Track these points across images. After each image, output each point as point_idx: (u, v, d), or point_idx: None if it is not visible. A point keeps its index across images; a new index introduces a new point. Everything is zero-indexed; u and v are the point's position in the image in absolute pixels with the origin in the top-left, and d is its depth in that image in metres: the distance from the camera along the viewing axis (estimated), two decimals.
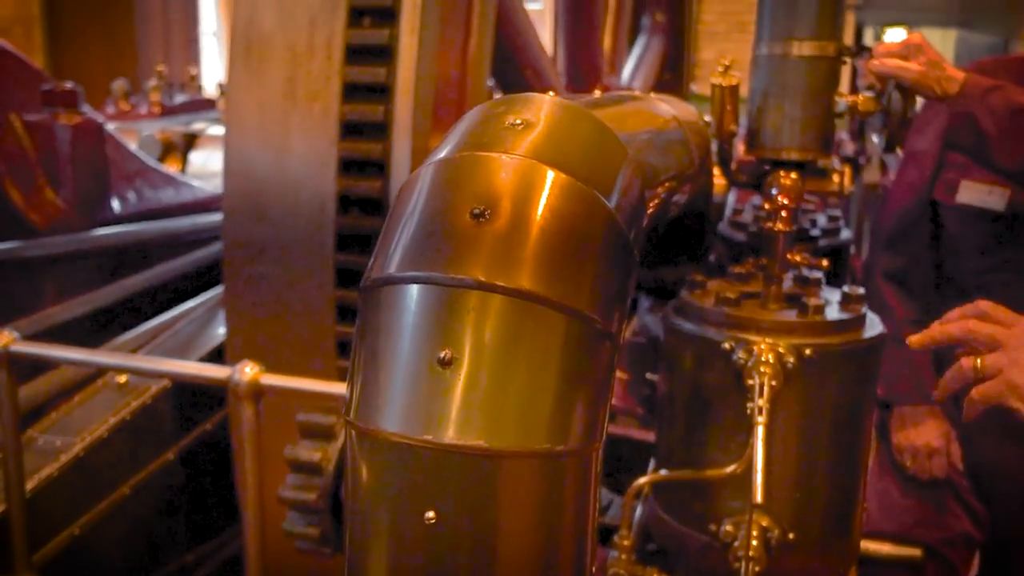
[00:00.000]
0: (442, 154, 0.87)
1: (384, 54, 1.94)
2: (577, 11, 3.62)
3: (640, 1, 4.57)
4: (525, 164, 0.82)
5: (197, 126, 5.42)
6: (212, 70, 10.83)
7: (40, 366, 2.42)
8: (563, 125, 0.89)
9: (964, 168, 2.11)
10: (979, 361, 1.23)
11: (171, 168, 5.03)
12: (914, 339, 1.32)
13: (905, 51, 1.79)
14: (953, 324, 1.30)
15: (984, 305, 1.29)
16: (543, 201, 0.80)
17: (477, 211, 0.78)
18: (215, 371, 1.86)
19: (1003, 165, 1.83)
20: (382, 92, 1.94)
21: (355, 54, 1.95)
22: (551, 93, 0.98)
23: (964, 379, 1.24)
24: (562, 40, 3.72)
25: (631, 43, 4.57)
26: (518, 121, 0.86)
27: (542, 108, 0.89)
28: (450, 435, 0.74)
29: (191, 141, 5.16)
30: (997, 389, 1.20)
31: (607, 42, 3.89)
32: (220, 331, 2.57)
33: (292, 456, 1.86)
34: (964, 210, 2.13)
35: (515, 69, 2.88)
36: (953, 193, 2.15)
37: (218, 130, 5.29)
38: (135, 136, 5.16)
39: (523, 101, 0.91)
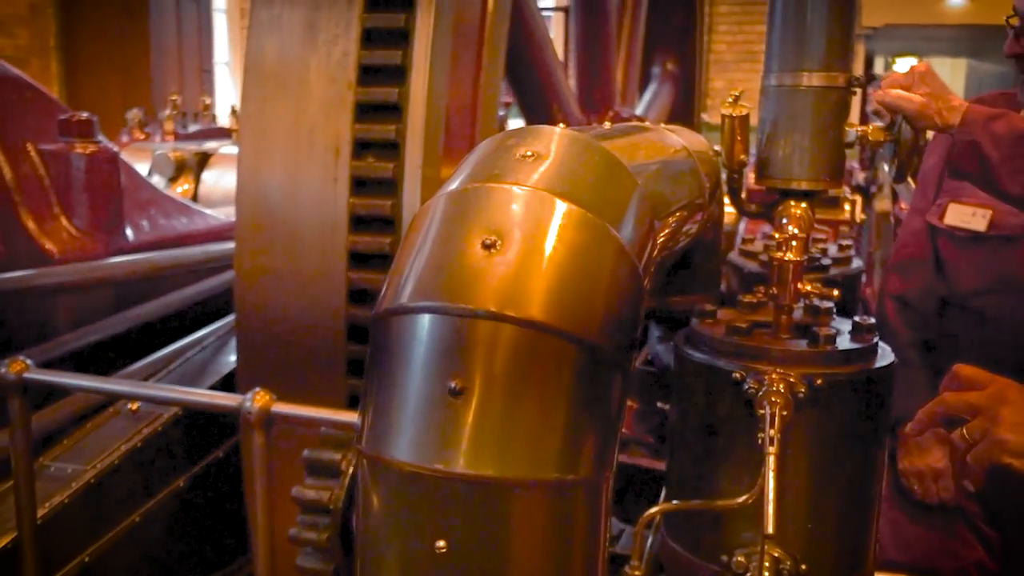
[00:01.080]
0: (454, 185, 0.88)
1: (397, 74, 1.96)
2: (591, 37, 3.66)
3: (650, 49, 4.62)
4: (536, 195, 0.82)
5: (209, 145, 5.47)
6: (225, 99, 10.95)
7: (53, 393, 2.43)
8: (573, 157, 0.90)
9: (955, 192, 2.15)
10: (964, 430, 1.29)
11: (184, 186, 5.07)
12: (908, 430, 1.40)
13: (909, 80, 1.80)
14: (934, 403, 1.37)
15: (959, 372, 1.33)
16: (554, 232, 0.81)
17: (488, 242, 0.78)
18: (226, 399, 1.86)
19: (1009, 191, 1.83)
20: (394, 111, 1.96)
21: (368, 74, 1.97)
22: (561, 125, 0.99)
23: (959, 451, 1.27)
24: (574, 65, 3.75)
25: (641, 91, 4.62)
26: (529, 153, 0.87)
27: (553, 140, 0.90)
28: (461, 464, 0.74)
29: (204, 160, 5.21)
30: (987, 450, 1.25)
31: (619, 76, 3.92)
32: (231, 359, 2.58)
33: (299, 496, 1.86)
34: (952, 232, 2.17)
35: (535, 89, 2.93)
36: (942, 216, 2.19)
37: (230, 149, 5.35)
38: (148, 155, 5.23)
39: (534, 133, 0.92)
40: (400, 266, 0.84)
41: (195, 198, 5.11)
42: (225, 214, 3.94)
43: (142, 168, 5.13)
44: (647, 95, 4.71)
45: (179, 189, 5.09)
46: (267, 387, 1.77)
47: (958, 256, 2.20)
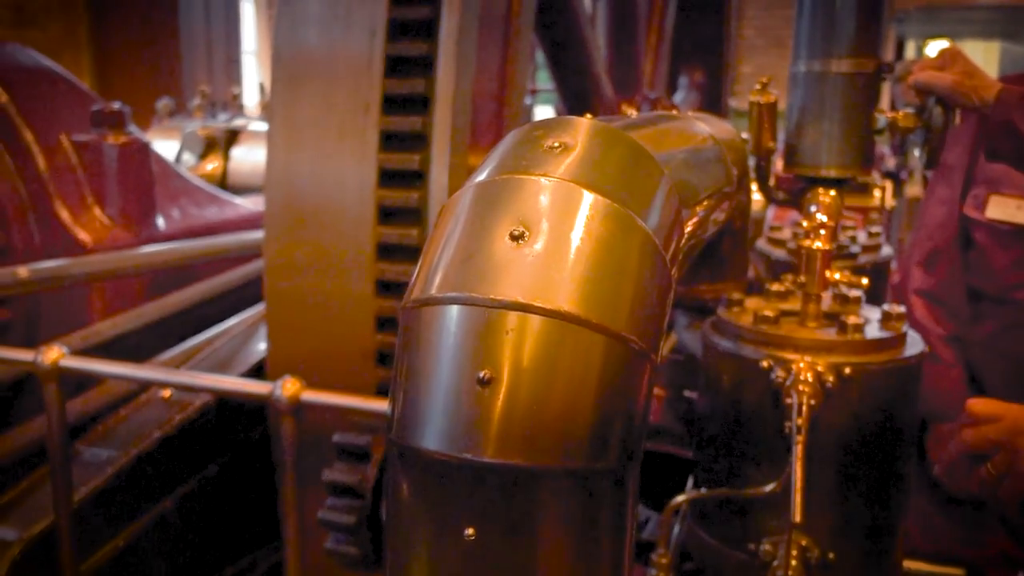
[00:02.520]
0: (482, 176, 0.89)
1: (424, 65, 1.97)
2: (621, 21, 3.64)
3: (678, 55, 4.59)
4: (563, 186, 0.83)
5: (238, 122, 5.52)
6: (253, 89, 11.01)
7: (87, 380, 2.47)
8: (600, 147, 0.90)
9: (994, 183, 2.10)
10: (990, 465, 1.32)
11: (214, 163, 5.12)
12: (938, 471, 1.47)
13: (941, 62, 1.78)
14: (955, 445, 1.40)
15: (972, 409, 1.37)
16: (581, 223, 0.81)
17: (516, 233, 0.79)
18: (257, 387, 1.89)
19: None
20: (422, 103, 1.97)
21: (395, 66, 1.98)
22: (588, 116, 0.99)
23: (989, 485, 1.33)
24: (604, 45, 3.74)
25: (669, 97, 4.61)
26: (556, 144, 0.88)
27: (580, 131, 0.91)
28: (489, 453, 0.75)
29: (233, 137, 5.26)
30: (1015, 484, 1.29)
31: (648, 61, 3.91)
32: (261, 347, 2.61)
33: (330, 479, 1.89)
34: (994, 226, 2.12)
35: (575, 71, 2.95)
36: (983, 208, 2.14)
37: (259, 126, 5.39)
38: (178, 134, 5.28)
39: (562, 124, 0.92)
40: (428, 257, 0.85)
41: (224, 175, 5.16)
42: (253, 199, 3.98)
43: (172, 146, 5.21)
44: (676, 100, 4.71)
45: (209, 167, 5.15)
46: (297, 375, 1.80)
47: (999, 249, 2.15)
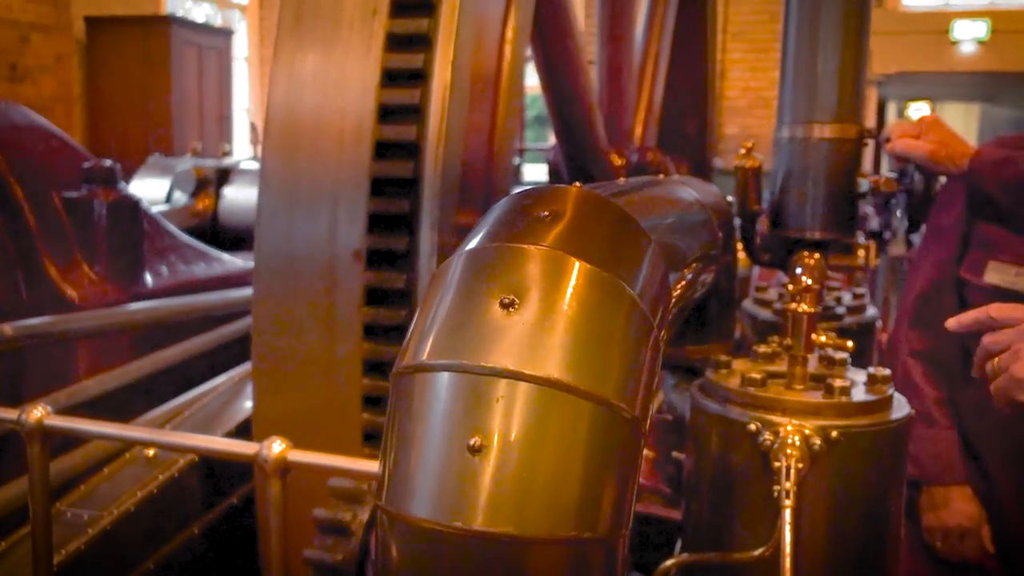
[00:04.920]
0: (472, 244, 0.90)
1: (412, 147, 1.99)
2: (614, 67, 3.70)
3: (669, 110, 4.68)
4: (553, 255, 0.84)
5: (230, 161, 5.55)
6: (243, 146, 11.12)
7: (71, 438, 2.45)
8: (589, 216, 0.92)
9: (991, 247, 2.10)
10: (996, 361, 1.31)
11: (205, 201, 5.14)
12: (951, 322, 1.42)
13: (917, 130, 1.82)
14: (978, 352, 1.37)
15: (993, 310, 1.35)
16: (570, 291, 0.82)
17: (506, 301, 0.80)
18: (242, 447, 1.87)
19: None
20: (409, 183, 1.99)
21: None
22: (577, 184, 1.01)
23: (990, 380, 1.32)
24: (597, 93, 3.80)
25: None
26: (546, 213, 0.89)
27: (569, 200, 0.92)
28: (479, 522, 0.75)
29: (224, 175, 5.28)
30: (1005, 385, 1.26)
31: (641, 114, 3.97)
32: (247, 405, 2.59)
33: (321, 517, 1.86)
34: (991, 290, 2.11)
35: (574, 125, 3.00)
36: (980, 272, 2.13)
37: (250, 165, 5.41)
38: (170, 171, 5.30)
39: (551, 193, 0.94)
40: (420, 323, 0.86)
41: (216, 213, 5.17)
42: (242, 255, 3.99)
43: (164, 184, 5.23)
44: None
45: (200, 205, 5.16)
46: (282, 434, 1.78)
47: None
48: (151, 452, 2.39)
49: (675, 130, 4.59)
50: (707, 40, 4.71)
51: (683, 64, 4.50)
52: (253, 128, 8.36)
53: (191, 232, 4.58)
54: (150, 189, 5.31)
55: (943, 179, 2.11)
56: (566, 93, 2.99)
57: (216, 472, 2.42)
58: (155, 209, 4.86)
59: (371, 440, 2.02)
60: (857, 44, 1.79)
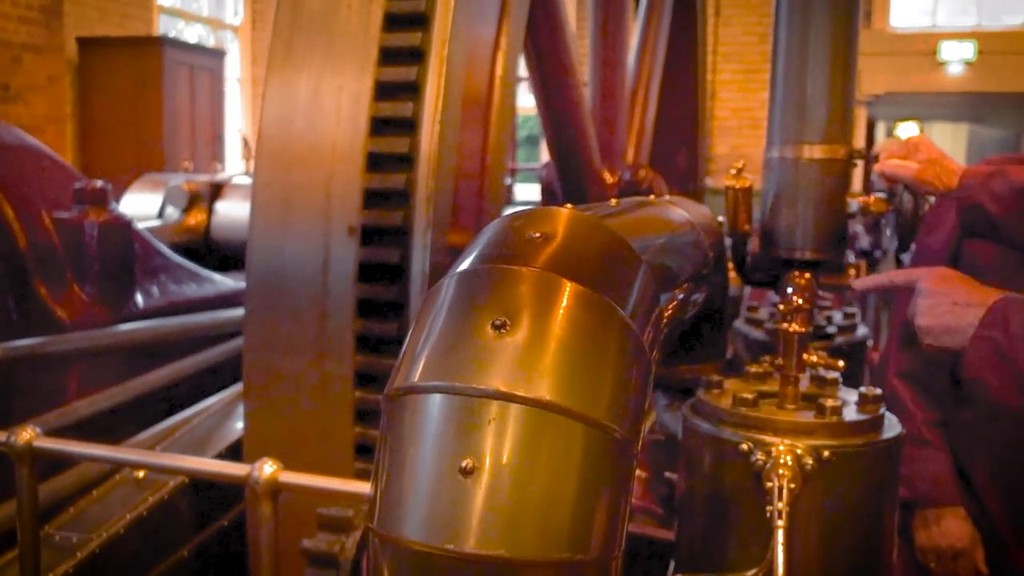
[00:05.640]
0: (464, 266, 0.90)
1: (404, 160, 2.00)
2: (606, 97, 3.73)
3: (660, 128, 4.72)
4: (544, 276, 0.85)
5: (222, 176, 5.52)
6: (236, 166, 11.12)
7: (60, 460, 2.43)
8: (580, 238, 0.92)
9: (978, 270, 2.11)
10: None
11: (197, 217, 5.11)
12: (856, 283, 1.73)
13: (905, 150, 1.83)
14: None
15: (893, 274, 1.62)
16: (561, 312, 0.83)
17: (498, 322, 0.80)
18: (234, 468, 1.86)
19: (1022, 244, 1.84)
20: (402, 196, 2.00)
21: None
22: (568, 206, 1.01)
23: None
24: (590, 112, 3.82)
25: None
26: (537, 234, 0.90)
27: (560, 221, 0.93)
28: (471, 544, 0.75)
29: (217, 191, 5.26)
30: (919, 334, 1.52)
31: (633, 135, 3.99)
32: (238, 426, 2.58)
33: (310, 548, 1.85)
34: None
35: (569, 144, 3.03)
36: None
37: (242, 180, 5.39)
38: (163, 187, 5.28)
39: (542, 215, 0.95)
40: (411, 345, 0.86)
41: (208, 228, 5.14)
42: (233, 276, 3.98)
43: (156, 199, 5.21)
44: None
45: (192, 220, 5.14)
46: (274, 454, 1.77)
47: None
48: (141, 474, 2.37)
49: (665, 163, 4.61)
50: (697, 72, 4.75)
51: (673, 93, 4.54)
52: (245, 143, 8.37)
53: (184, 248, 4.57)
54: (142, 204, 5.29)
55: (932, 199, 2.13)
56: (562, 110, 3.01)
57: (207, 494, 2.40)
58: (147, 224, 4.87)
59: (363, 453, 2.02)
60: (846, 65, 1.81)
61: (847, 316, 2.39)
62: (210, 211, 5.20)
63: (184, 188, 5.15)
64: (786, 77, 1.84)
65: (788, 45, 1.83)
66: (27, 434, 1.89)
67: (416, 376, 0.81)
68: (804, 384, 1.63)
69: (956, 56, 12.07)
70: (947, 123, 17.17)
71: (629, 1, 3.69)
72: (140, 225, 4.37)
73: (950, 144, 16.21)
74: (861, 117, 12.50)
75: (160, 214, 5.24)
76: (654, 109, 4.13)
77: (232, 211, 5.16)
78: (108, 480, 2.39)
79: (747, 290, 3.34)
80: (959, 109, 14.92)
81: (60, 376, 2.92)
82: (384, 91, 2.00)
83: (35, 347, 2.60)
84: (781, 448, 1.45)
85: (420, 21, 1.99)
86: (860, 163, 1.88)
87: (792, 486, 1.40)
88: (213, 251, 5.07)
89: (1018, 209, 1.77)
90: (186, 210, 5.18)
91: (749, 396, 1.55)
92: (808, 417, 1.52)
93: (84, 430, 2.53)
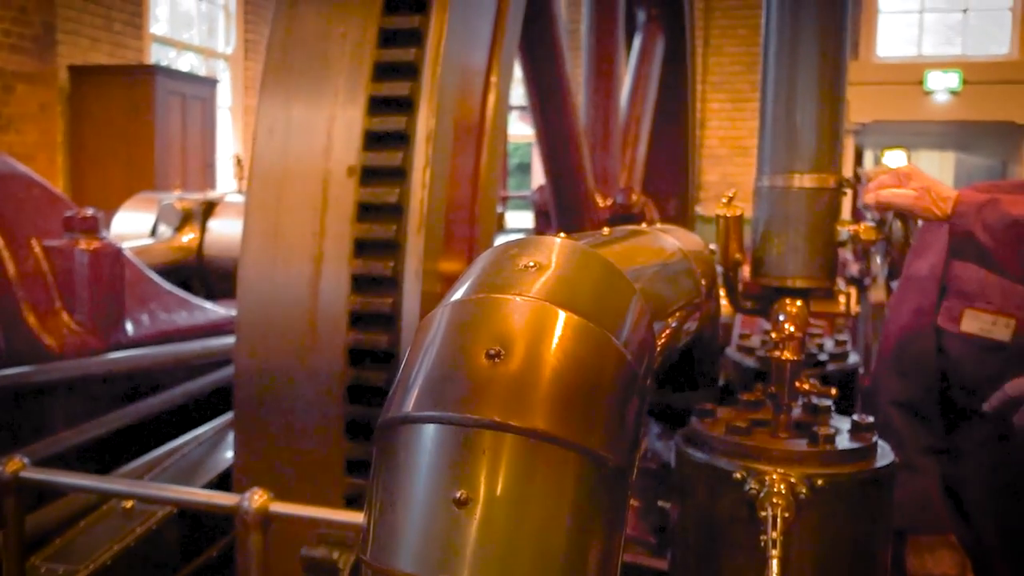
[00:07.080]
0: (458, 295, 0.90)
1: (397, 174, 2.00)
2: (600, 111, 3.75)
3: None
4: (538, 306, 0.85)
5: (215, 194, 5.50)
6: (227, 188, 11.11)
7: (47, 491, 2.40)
8: (573, 267, 0.92)
9: (968, 297, 2.11)
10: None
11: (190, 235, 5.09)
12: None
13: (896, 180, 1.84)
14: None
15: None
16: (555, 342, 0.82)
17: (492, 352, 0.80)
18: (223, 498, 1.84)
19: (1012, 274, 1.84)
20: (394, 211, 2.00)
21: (369, 175, 2.01)
22: (562, 235, 1.02)
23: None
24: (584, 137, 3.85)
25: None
26: (531, 263, 0.90)
27: (553, 251, 0.93)
28: None
29: (210, 209, 5.24)
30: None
31: (627, 160, 4.02)
32: (227, 455, 2.56)
33: (307, 556, 1.83)
34: (968, 339, 2.12)
35: (564, 158, 3.05)
36: (956, 321, 2.13)
37: (235, 198, 5.37)
38: (155, 205, 5.26)
39: (535, 244, 0.95)
40: (406, 375, 0.86)
41: (201, 246, 5.12)
42: (224, 304, 3.96)
43: (149, 218, 5.19)
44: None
45: (185, 239, 5.12)
46: (264, 485, 1.76)
47: (973, 362, 2.13)
48: (129, 504, 2.35)
49: (656, 190, 4.64)
50: (688, 101, 4.80)
51: (665, 122, 4.58)
52: (238, 162, 8.35)
53: (176, 267, 4.54)
54: (135, 223, 5.27)
55: (920, 223, 2.13)
56: (558, 133, 3.03)
57: (196, 524, 2.37)
58: (140, 243, 4.85)
59: (356, 471, 2.00)
60: (835, 95, 1.82)
61: (839, 343, 2.40)
62: (203, 229, 5.18)
63: (177, 206, 5.13)
64: (775, 107, 1.86)
65: (777, 76, 1.85)
66: (14, 464, 1.87)
67: (410, 406, 0.81)
68: (797, 412, 1.63)
69: (942, 85, 12.21)
70: (934, 151, 17.34)
71: (620, 32, 3.73)
72: (133, 243, 4.36)
73: (937, 172, 16.34)
74: (848, 145, 12.60)
75: (153, 232, 5.23)
76: (647, 138, 4.17)
77: (225, 229, 5.14)
78: (95, 510, 2.36)
79: (739, 318, 3.36)
80: (945, 138, 15.07)
81: (48, 405, 2.90)
82: (373, 138, 2.02)
83: (23, 376, 2.58)
84: (775, 477, 1.44)
85: (410, 70, 2.01)
86: (848, 192, 1.89)
87: (786, 515, 1.40)
88: (206, 269, 5.05)
89: (1009, 240, 1.78)
90: (179, 228, 5.16)
91: (742, 424, 1.55)
92: (801, 446, 1.52)
93: (72, 460, 2.51)
